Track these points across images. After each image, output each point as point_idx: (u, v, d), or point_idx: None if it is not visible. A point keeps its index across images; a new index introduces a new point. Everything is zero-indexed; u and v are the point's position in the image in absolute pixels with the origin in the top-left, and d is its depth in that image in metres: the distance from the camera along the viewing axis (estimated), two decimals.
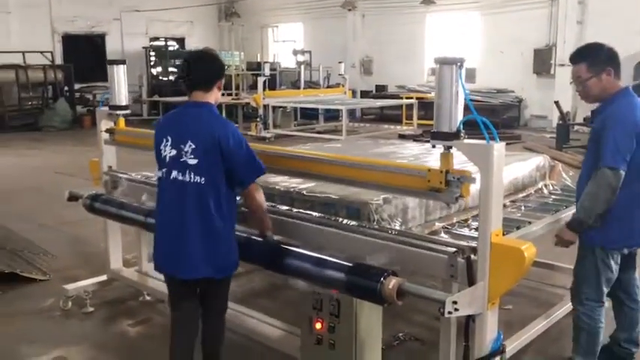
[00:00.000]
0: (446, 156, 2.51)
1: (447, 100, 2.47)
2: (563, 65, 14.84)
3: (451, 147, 2.48)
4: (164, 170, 2.88)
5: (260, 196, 2.90)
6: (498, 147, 2.38)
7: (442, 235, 3.01)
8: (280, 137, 13.71)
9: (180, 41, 22.00)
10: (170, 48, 20.87)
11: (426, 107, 15.42)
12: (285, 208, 3.25)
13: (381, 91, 18.61)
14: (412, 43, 18.21)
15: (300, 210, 3.18)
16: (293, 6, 20.77)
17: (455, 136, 2.45)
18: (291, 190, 3.37)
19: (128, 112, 4.22)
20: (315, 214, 3.08)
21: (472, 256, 2.47)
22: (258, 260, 3.11)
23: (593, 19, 14.34)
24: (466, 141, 2.45)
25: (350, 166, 2.86)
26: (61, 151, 12.62)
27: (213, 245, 2.81)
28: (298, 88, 16.73)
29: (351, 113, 17.24)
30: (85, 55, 19.31)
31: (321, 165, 2.96)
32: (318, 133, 14.47)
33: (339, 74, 16.30)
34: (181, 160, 2.80)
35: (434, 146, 2.53)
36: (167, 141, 2.86)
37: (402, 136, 13.03)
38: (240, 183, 2.87)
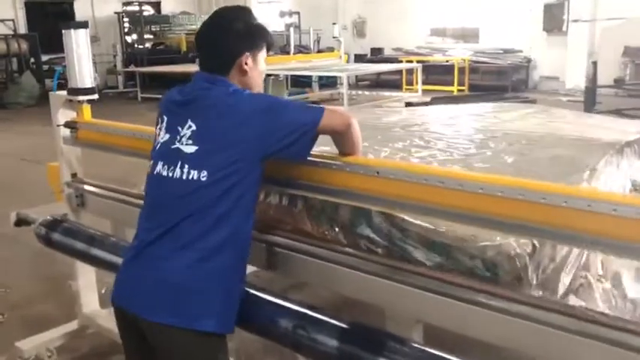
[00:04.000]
0: None
1: None
2: (577, 21, 13.71)
3: None
4: (151, 163, 1.89)
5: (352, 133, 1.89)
6: None
7: None
8: None
9: (156, 5, 20.33)
10: (145, 13, 19.34)
11: (428, 71, 14.24)
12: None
13: (376, 55, 17.27)
14: (408, 1, 16.82)
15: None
16: None
17: None
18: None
19: (95, 97, 2.94)
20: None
21: None
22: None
23: None
24: None
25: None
26: (28, 132, 11.16)
27: (198, 278, 1.74)
28: (288, 53, 15.30)
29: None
30: (52, 22, 17.66)
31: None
32: (314, 103, 13.18)
33: (333, 37, 14.93)
34: (172, 146, 1.78)
35: None
36: (162, 122, 1.89)
37: (409, 104, 11.81)
38: (300, 155, 1.85)
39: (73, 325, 3.33)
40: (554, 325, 1.57)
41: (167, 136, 1.84)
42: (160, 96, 10.11)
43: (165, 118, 1.88)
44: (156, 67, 15.76)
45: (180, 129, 1.81)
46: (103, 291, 3.24)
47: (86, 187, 3.00)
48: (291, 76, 14.65)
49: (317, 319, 1.80)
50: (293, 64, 13.72)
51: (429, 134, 2.90)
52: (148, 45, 18.52)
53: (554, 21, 14.32)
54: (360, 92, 14.71)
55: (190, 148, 1.77)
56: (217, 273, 1.74)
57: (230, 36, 1.87)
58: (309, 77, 14.55)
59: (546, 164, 2.38)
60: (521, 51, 15.11)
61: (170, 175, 1.78)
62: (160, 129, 1.88)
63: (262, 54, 1.93)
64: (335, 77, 13.68)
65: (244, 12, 1.95)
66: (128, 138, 2.67)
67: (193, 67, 15.45)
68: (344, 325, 1.75)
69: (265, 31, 1.96)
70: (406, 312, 1.86)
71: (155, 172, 1.83)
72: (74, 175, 3.07)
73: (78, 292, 3.26)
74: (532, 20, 14.62)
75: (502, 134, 2.86)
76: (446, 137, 2.82)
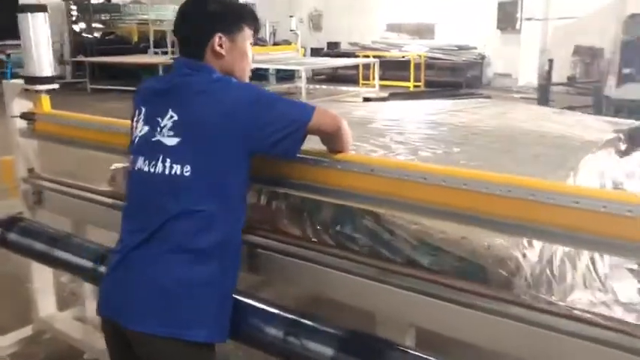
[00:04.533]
0: None
1: None
2: (530, 20, 13.96)
3: None
4: (130, 158, 1.76)
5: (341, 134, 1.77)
6: None
7: None
8: None
9: None
10: (94, 1, 18.64)
11: (384, 66, 14.25)
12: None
13: (333, 49, 17.18)
14: None
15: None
16: None
17: None
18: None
19: (55, 86, 2.74)
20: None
21: None
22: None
23: None
24: None
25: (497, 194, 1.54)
26: None
27: (189, 284, 1.60)
28: None
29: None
30: None
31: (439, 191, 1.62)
32: None
33: (291, 30, 14.76)
34: (153, 139, 1.65)
35: None
36: (140, 114, 1.74)
37: (367, 99, 11.79)
38: (289, 153, 1.71)
39: (27, 331, 3.11)
40: (547, 326, 1.51)
41: (146, 128, 1.69)
42: (110, 87, 9.77)
43: (143, 109, 1.73)
44: (106, 57, 15.23)
45: (160, 120, 1.66)
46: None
47: (44, 183, 2.80)
48: None
49: (309, 326, 1.68)
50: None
51: (405, 130, 2.82)
52: (97, 34, 17.87)
53: (507, 19, 14.55)
54: (317, 86, 14.58)
55: (172, 140, 1.63)
56: (209, 278, 1.61)
57: (203, 17, 1.74)
58: (266, 70, 14.34)
59: (530, 162, 2.33)
60: (475, 48, 15.29)
61: (152, 170, 1.64)
62: (138, 121, 1.73)
63: (242, 35, 1.78)
64: (292, 71, 13.52)
65: None
66: (92, 131, 2.50)
67: (146, 58, 15.11)
68: (339, 333, 1.64)
69: (245, 11, 1.81)
70: (397, 315, 1.77)
71: (136, 168, 1.69)
72: (31, 170, 2.86)
73: (34, 295, 3.05)
74: (486, 18, 14.82)
75: (482, 131, 2.81)
76: (420, 131, 2.75)
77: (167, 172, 1.61)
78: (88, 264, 2.21)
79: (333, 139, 1.76)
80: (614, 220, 1.38)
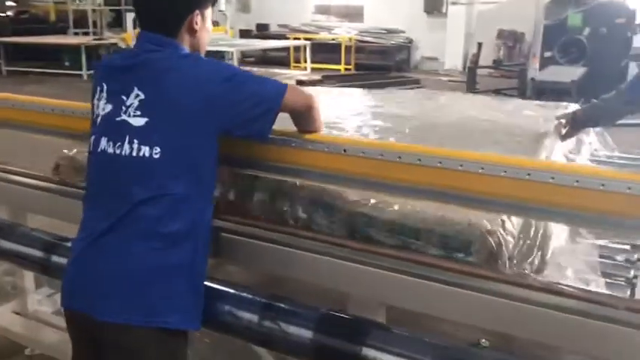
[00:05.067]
0: None
1: None
2: (456, 4, 14.32)
3: None
4: (92, 139, 1.65)
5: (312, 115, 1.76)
6: None
7: None
8: None
9: None
10: None
11: (314, 49, 14.22)
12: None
13: (262, 31, 16.96)
14: None
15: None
16: None
17: None
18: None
19: None
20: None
21: None
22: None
23: None
24: None
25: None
26: None
27: (160, 269, 1.54)
28: None
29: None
30: None
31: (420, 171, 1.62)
32: None
33: (219, 10, 14.41)
34: (117, 119, 1.56)
35: None
36: (102, 91, 1.64)
37: (301, 82, 11.74)
38: (261, 133, 1.67)
39: None
40: (529, 300, 1.56)
41: (109, 107, 1.60)
42: (28, 69, 9.23)
43: (105, 86, 1.63)
44: (22, 37, 14.36)
45: (125, 98, 1.58)
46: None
47: None
48: None
49: (284, 309, 1.66)
50: None
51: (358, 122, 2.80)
52: (10, 13, 16.80)
53: (434, 3, 14.84)
54: (248, 68, 14.36)
55: (139, 121, 1.55)
56: (179, 262, 1.56)
57: None
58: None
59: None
60: (403, 32, 15.51)
61: (117, 152, 1.55)
62: (99, 99, 1.64)
63: (209, 11, 1.74)
64: (222, 52, 13.25)
65: None
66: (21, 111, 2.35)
67: (68, 39, 14.36)
68: (316, 314, 1.62)
69: None
70: (368, 295, 1.77)
71: (99, 150, 1.59)
72: None
73: None
74: (413, 1, 15.05)
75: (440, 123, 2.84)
76: (374, 123, 2.75)
77: (134, 153, 1.53)
78: (38, 253, 2.07)
79: (305, 118, 1.74)
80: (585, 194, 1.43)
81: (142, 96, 1.56)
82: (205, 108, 1.55)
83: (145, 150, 1.53)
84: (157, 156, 1.53)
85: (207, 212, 1.65)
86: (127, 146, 1.54)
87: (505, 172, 1.49)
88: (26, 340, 2.86)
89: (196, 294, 1.62)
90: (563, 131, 2.68)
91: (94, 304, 1.52)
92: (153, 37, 1.65)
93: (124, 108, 1.57)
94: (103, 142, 1.59)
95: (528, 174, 1.46)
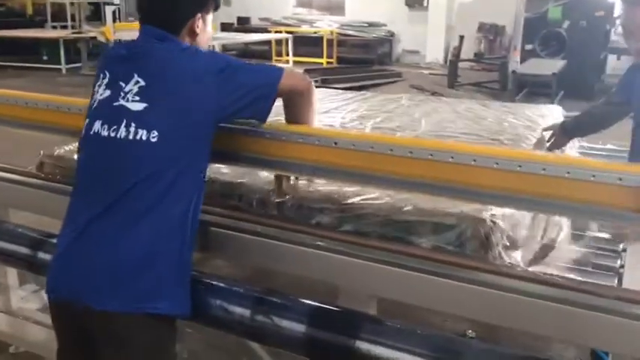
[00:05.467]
0: None
1: None
2: None
3: None
4: (85, 123, 1.66)
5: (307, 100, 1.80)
6: None
7: None
8: None
9: None
10: None
11: (296, 42, 14.17)
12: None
13: (243, 24, 16.86)
14: None
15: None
16: None
17: None
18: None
19: None
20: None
21: None
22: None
23: None
24: None
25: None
26: None
27: (140, 257, 1.54)
28: None
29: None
30: None
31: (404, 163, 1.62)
32: None
33: None
34: (115, 103, 1.59)
35: None
36: (103, 78, 1.66)
37: None
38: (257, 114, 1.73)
39: None
40: (519, 291, 1.57)
41: (107, 92, 1.62)
42: (6, 64, 9.08)
43: (108, 74, 1.66)
44: (8, 30, 14.09)
45: (123, 85, 1.60)
46: None
47: None
48: None
49: (276, 303, 1.65)
50: None
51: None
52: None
53: None
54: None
55: (138, 105, 1.56)
56: (168, 248, 1.57)
57: None
58: None
59: None
60: (385, 25, 15.51)
61: (113, 135, 1.56)
62: (100, 86, 1.66)
63: (210, 16, 1.80)
64: None
65: None
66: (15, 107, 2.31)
67: (46, 33, 14.12)
68: (308, 308, 1.62)
69: None
70: (358, 287, 1.77)
71: (92, 132, 1.60)
72: None
73: None
74: None
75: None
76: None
77: (131, 137, 1.55)
78: (24, 250, 2.04)
79: (301, 103, 1.77)
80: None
81: (142, 83, 1.58)
82: (201, 97, 1.59)
83: (143, 133, 1.54)
84: (154, 139, 1.54)
85: (198, 200, 1.66)
86: (122, 129, 1.55)
87: (497, 164, 1.50)
88: (10, 338, 2.83)
89: (183, 279, 1.62)
90: (552, 141, 2.68)
91: (83, 291, 1.52)
92: (156, 31, 1.68)
93: (122, 94, 1.59)
94: (97, 124, 1.60)
95: (519, 166, 1.48)
